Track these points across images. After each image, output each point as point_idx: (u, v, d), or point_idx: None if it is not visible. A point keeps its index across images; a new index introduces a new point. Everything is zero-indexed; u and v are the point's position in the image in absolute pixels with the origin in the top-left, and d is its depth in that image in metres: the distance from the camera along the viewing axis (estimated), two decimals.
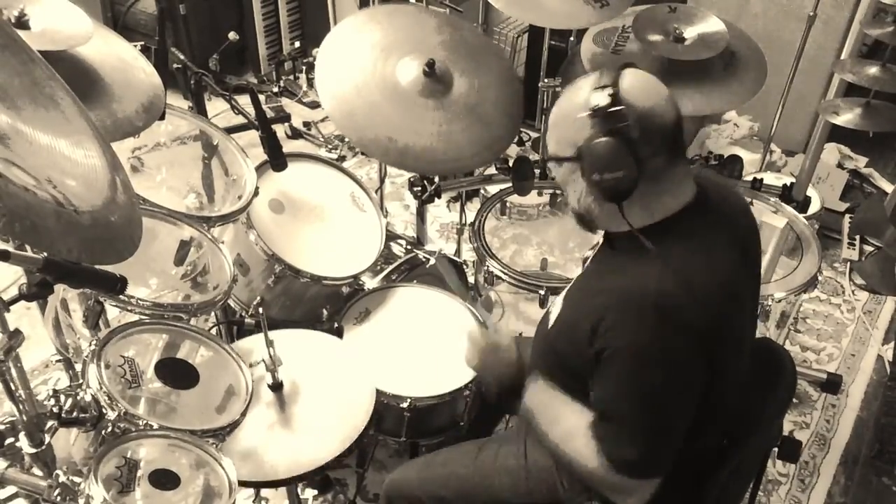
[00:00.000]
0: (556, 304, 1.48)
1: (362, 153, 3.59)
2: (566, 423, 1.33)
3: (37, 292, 1.14)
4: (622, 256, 1.34)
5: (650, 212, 1.28)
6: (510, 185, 2.35)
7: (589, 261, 1.53)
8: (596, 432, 1.27)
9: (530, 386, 1.41)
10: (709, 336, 1.22)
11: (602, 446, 1.26)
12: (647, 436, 1.24)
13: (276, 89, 4.04)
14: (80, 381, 1.33)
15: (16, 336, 1.21)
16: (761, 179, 2.47)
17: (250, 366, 1.51)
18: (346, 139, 3.60)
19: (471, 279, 2.43)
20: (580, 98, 1.25)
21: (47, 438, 1.30)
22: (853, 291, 3.06)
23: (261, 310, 1.52)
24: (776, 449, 1.63)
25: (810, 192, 2.74)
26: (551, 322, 1.44)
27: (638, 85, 1.24)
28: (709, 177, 1.41)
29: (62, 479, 1.24)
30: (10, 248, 1.10)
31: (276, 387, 1.57)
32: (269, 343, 1.51)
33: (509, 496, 1.54)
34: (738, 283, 1.33)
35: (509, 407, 1.45)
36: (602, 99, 1.21)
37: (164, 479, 1.26)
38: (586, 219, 1.34)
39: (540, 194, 3.07)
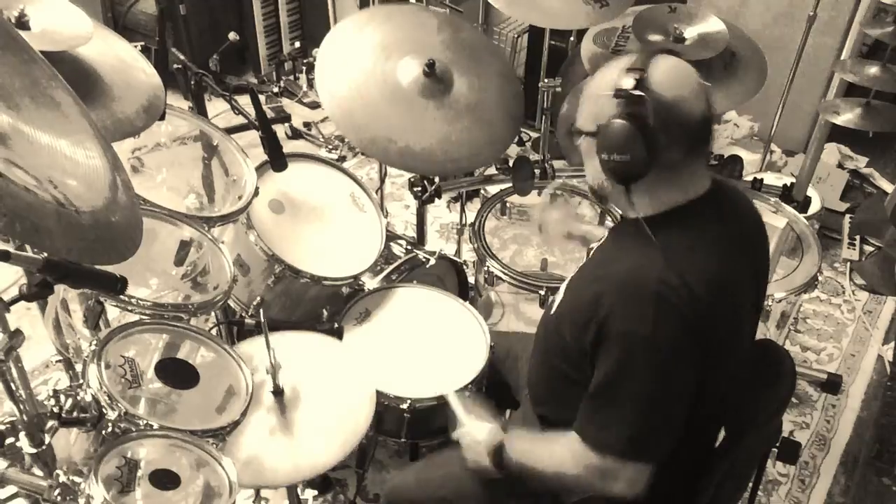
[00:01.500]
0: (560, 292, 1.49)
1: (362, 153, 3.59)
2: (553, 450, 1.35)
3: (37, 292, 1.13)
4: (626, 244, 1.35)
5: (659, 202, 1.29)
6: (510, 185, 2.34)
7: (594, 250, 1.55)
8: (583, 418, 1.28)
9: (508, 443, 1.44)
10: (703, 330, 1.22)
11: (586, 431, 1.27)
12: (635, 419, 1.24)
13: (276, 89, 4.04)
14: (81, 381, 1.33)
15: (16, 336, 1.21)
16: (761, 179, 2.47)
17: (252, 372, 1.51)
18: (346, 139, 3.59)
19: (471, 279, 2.43)
20: (609, 77, 1.26)
21: (47, 438, 1.30)
22: (853, 291, 3.06)
23: (262, 316, 1.52)
24: (775, 450, 1.63)
25: (810, 192, 2.74)
26: (553, 308, 1.46)
27: (668, 74, 1.24)
28: (720, 178, 1.41)
29: (62, 479, 1.24)
30: (10, 248, 1.11)
31: (277, 392, 1.56)
32: (270, 348, 1.51)
33: (507, 492, 1.55)
34: (740, 282, 1.33)
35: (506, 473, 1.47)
36: (627, 81, 1.22)
37: (165, 479, 1.26)
38: (599, 194, 1.38)
39: (540, 194, 3.07)
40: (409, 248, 2.29)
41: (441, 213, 3.33)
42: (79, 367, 1.57)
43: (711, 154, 1.37)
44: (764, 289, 1.46)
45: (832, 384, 2.60)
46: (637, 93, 1.21)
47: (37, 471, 1.33)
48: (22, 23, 1.56)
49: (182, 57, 1.96)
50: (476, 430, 1.52)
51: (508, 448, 1.44)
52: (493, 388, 1.87)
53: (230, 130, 2.05)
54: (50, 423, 1.29)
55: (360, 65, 1.99)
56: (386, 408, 1.79)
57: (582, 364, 1.32)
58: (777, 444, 1.60)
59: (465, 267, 2.39)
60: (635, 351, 1.22)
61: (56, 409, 1.28)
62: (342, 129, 2.08)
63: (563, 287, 1.50)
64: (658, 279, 1.20)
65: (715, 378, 1.30)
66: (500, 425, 1.52)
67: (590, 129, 1.29)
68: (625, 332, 1.22)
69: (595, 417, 1.28)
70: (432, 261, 2.19)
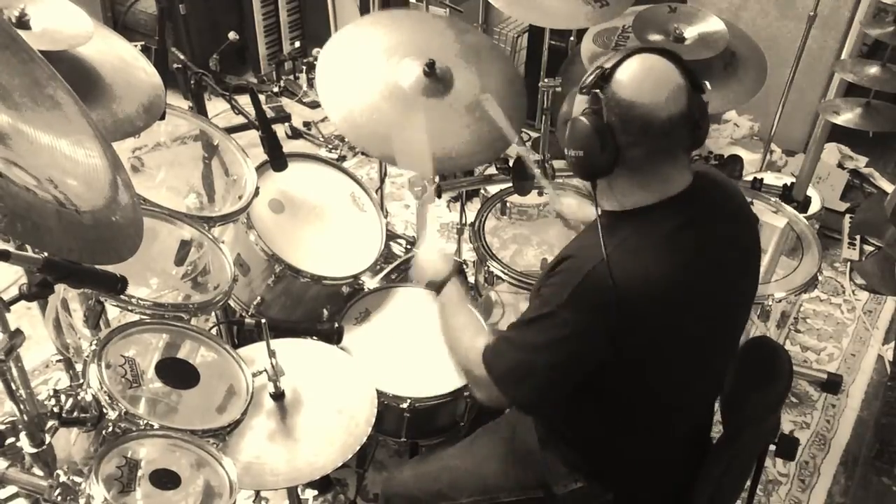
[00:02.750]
0: None
1: (362, 153, 3.59)
2: (464, 338, 1.46)
3: (37, 292, 1.13)
4: (588, 231, 1.39)
5: (624, 199, 1.30)
6: (510, 185, 2.34)
7: None
8: (498, 336, 1.39)
9: (446, 295, 1.57)
10: (623, 327, 1.24)
11: (489, 349, 1.37)
12: (518, 362, 1.33)
13: (276, 89, 4.04)
14: (81, 380, 1.33)
15: (16, 336, 1.21)
16: (761, 179, 2.47)
17: (253, 376, 1.51)
18: (346, 139, 3.60)
19: (471, 279, 2.43)
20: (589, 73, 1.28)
21: (48, 438, 1.30)
22: (853, 291, 3.07)
23: (263, 320, 1.52)
24: (774, 448, 1.63)
25: (810, 192, 2.74)
26: None
27: (636, 74, 1.23)
28: (716, 176, 1.40)
29: (63, 478, 1.25)
30: (10, 247, 1.11)
31: (278, 396, 1.56)
32: (272, 353, 1.51)
33: (499, 481, 1.57)
34: (701, 283, 1.31)
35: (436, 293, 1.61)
36: (590, 77, 1.25)
37: (165, 479, 1.26)
38: (585, 189, 1.43)
39: (540, 194, 3.06)
40: (409, 247, 2.29)
41: (441, 213, 3.33)
42: (79, 367, 1.57)
43: (695, 157, 1.37)
44: (753, 286, 1.45)
45: (832, 384, 2.60)
46: (595, 90, 1.24)
47: (37, 471, 1.33)
48: (22, 22, 1.56)
49: (182, 57, 1.96)
50: (428, 250, 1.68)
51: (444, 298, 1.57)
52: None
53: (230, 130, 2.05)
54: (50, 423, 1.29)
55: (361, 66, 1.99)
56: (386, 407, 1.79)
57: None
58: (775, 441, 1.60)
59: (465, 267, 2.39)
60: (545, 312, 1.29)
61: (56, 409, 1.28)
62: (342, 129, 2.07)
63: None
64: (592, 269, 1.24)
65: (662, 371, 1.32)
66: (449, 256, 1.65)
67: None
68: (547, 294, 1.30)
69: (500, 342, 1.37)
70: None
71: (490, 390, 1.35)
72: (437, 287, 1.59)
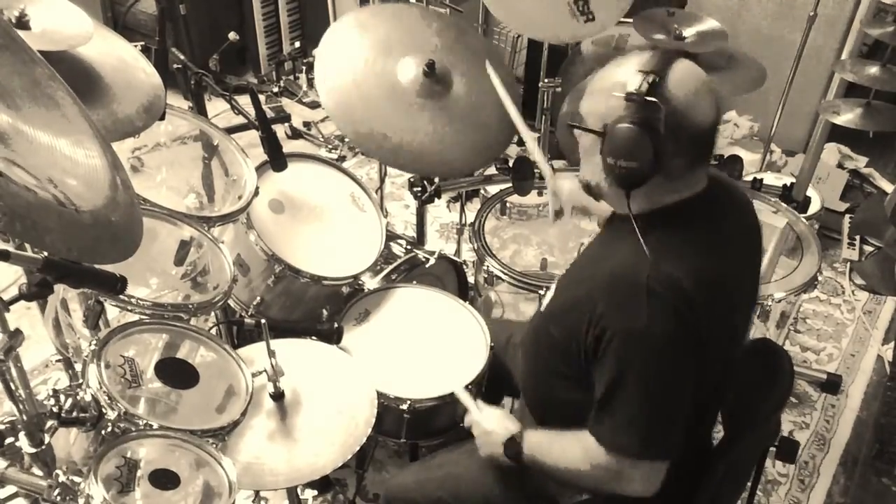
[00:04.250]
0: (550, 290, 1.50)
1: (362, 153, 3.59)
2: (568, 448, 1.35)
3: (37, 292, 1.13)
4: (616, 242, 1.33)
5: (653, 201, 1.28)
6: (510, 185, 2.34)
7: (584, 247, 1.54)
8: (595, 420, 1.28)
9: (526, 436, 1.44)
10: (695, 324, 1.21)
11: (601, 433, 1.27)
12: (645, 417, 1.24)
13: (276, 89, 4.04)
14: (80, 380, 1.33)
15: (16, 336, 1.21)
16: (761, 179, 2.48)
17: (253, 376, 1.51)
18: (346, 139, 3.60)
19: (471, 279, 2.43)
20: (622, 75, 1.22)
21: (47, 438, 1.30)
22: (853, 291, 3.06)
23: (263, 320, 1.52)
24: (774, 449, 1.63)
25: (810, 192, 2.74)
26: (543, 305, 1.47)
27: (684, 81, 1.20)
28: (718, 175, 1.40)
29: (62, 478, 1.24)
30: (10, 247, 1.11)
31: (278, 396, 1.56)
32: (271, 353, 1.51)
33: (503, 491, 1.55)
34: (731, 279, 1.32)
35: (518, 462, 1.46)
36: (641, 85, 1.18)
37: (164, 479, 1.26)
38: (593, 191, 1.35)
39: (540, 194, 3.06)
40: (408, 247, 2.29)
41: (441, 213, 3.33)
42: (78, 367, 1.57)
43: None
44: (757, 284, 1.46)
45: (832, 384, 2.60)
46: (651, 99, 1.17)
47: (36, 470, 1.33)
48: (22, 23, 1.56)
49: (182, 57, 1.96)
50: (488, 420, 1.53)
51: (523, 440, 1.43)
52: (494, 375, 1.86)
53: (230, 130, 2.05)
54: (49, 423, 1.29)
55: (360, 62, 2.00)
56: (386, 408, 1.79)
57: (575, 360, 1.32)
58: (776, 443, 1.60)
59: (464, 267, 2.39)
60: (634, 347, 1.22)
61: (56, 409, 1.28)
62: (340, 127, 2.08)
63: (553, 286, 1.50)
64: (648, 275, 1.19)
65: (705, 373, 1.29)
66: (512, 415, 1.53)
67: (595, 126, 1.25)
68: (621, 330, 1.22)
69: (606, 419, 1.27)
70: (432, 261, 2.19)
71: (636, 470, 1.26)
72: (514, 455, 1.44)
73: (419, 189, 2.33)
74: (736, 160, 2.55)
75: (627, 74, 1.21)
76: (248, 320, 1.69)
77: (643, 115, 1.18)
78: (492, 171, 2.51)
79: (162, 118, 1.76)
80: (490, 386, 1.89)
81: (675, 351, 1.21)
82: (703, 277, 1.23)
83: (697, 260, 1.25)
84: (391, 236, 2.30)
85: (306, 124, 3.81)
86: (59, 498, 1.24)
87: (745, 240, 1.39)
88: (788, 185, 2.47)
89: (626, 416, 1.24)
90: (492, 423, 1.51)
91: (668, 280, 1.19)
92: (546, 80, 2.33)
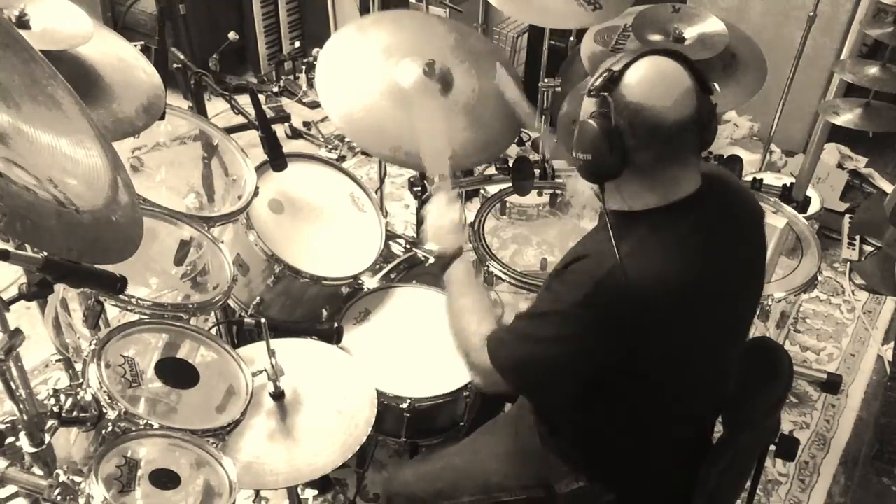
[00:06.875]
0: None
1: (362, 153, 3.59)
2: (471, 323, 1.43)
3: (37, 292, 1.13)
4: (598, 233, 1.37)
5: (633, 200, 1.29)
6: (510, 185, 2.34)
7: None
8: (505, 326, 1.38)
9: (456, 262, 1.53)
10: (639, 330, 1.24)
11: (495, 337, 1.36)
12: (524, 356, 1.32)
13: (276, 89, 4.04)
14: (81, 380, 1.33)
15: (16, 335, 1.21)
16: (761, 179, 2.48)
17: (253, 376, 1.51)
18: (346, 139, 3.60)
19: None
20: (595, 74, 1.27)
21: (47, 438, 1.30)
22: (853, 291, 3.07)
23: (263, 320, 1.52)
24: (774, 448, 1.64)
25: (810, 192, 2.74)
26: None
27: (645, 77, 1.22)
28: (725, 176, 1.40)
29: (62, 478, 1.24)
30: (10, 247, 1.11)
31: (278, 396, 1.56)
32: (271, 353, 1.51)
33: (501, 480, 1.56)
34: (715, 285, 1.31)
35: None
36: (598, 80, 1.24)
37: (165, 479, 1.27)
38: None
39: (540, 194, 3.06)
40: (408, 247, 2.29)
41: None
42: (79, 367, 1.57)
43: (701, 159, 1.36)
44: (759, 290, 1.46)
45: (832, 384, 2.60)
46: (604, 93, 1.22)
47: (37, 470, 1.33)
48: (22, 22, 1.56)
49: (182, 57, 1.96)
50: (443, 216, 1.59)
51: (450, 276, 1.52)
52: None
53: (230, 130, 2.05)
54: (50, 423, 1.29)
55: (362, 66, 1.99)
56: (386, 407, 1.79)
57: None
58: (776, 441, 1.61)
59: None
60: (557, 308, 1.29)
61: (56, 409, 1.28)
62: (341, 129, 2.08)
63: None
64: (607, 271, 1.22)
65: (672, 372, 1.32)
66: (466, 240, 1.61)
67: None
68: (560, 291, 1.30)
69: (506, 332, 1.36)
70: (431, 259, 2.19)
71: (489, 377, 1.36)
72: (444, 263, 1.54)
73: (419, 189, 2.33)
74: (736, 160, 2.56)
75: (598, 72, 1.26)
76: (247, 320, 1.69)
77: (597, 108, 1.23)
78: (492, 171, 2.51)
79: (162, 118, 1.76)
80: (489, 407, 1.90)
81: (586, 334, 1.26)
82: (669, 283, 1.24)
83: (666, 265, 1.26)
84: (391, 236, 2.30)
85: (306, 124, 3.81)
86: (59, 498, 1.24)
87: (742, 248, 1.37)
88: (788, 185, 2.47)
89: (514, 343, 1.34)
90: (441, 219, 1.58)
91: (621, 283, 1.22)
92: (546, 80, 2.32)
